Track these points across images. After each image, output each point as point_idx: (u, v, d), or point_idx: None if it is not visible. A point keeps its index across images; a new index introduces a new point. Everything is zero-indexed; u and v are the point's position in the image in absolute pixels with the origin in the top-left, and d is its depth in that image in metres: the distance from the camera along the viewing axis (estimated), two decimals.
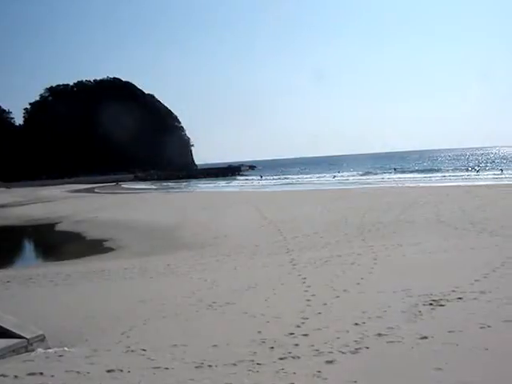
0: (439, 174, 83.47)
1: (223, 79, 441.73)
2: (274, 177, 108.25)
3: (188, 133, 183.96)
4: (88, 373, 7.54)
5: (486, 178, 68.81)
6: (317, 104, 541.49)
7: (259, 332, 9.11)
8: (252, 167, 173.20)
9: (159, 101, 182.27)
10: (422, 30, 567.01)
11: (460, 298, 10.60)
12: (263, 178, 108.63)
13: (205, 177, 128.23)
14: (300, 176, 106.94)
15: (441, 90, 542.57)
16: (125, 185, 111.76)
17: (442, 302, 10.35)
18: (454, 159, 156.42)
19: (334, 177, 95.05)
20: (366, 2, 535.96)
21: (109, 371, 7.60)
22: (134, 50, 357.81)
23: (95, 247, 25.69)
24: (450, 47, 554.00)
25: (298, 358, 7.79)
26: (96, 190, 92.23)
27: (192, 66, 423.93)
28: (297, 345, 8.32)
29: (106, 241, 26.97)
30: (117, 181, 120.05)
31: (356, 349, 8.01)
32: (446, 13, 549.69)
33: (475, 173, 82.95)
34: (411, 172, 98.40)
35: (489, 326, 8.75)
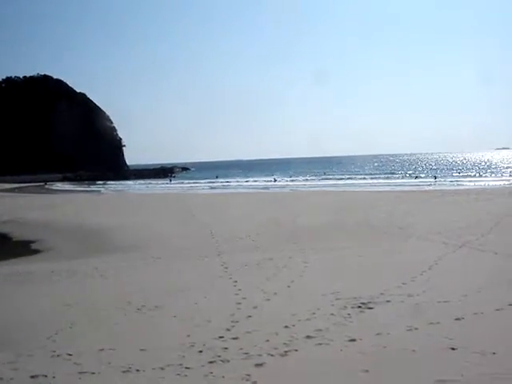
0: (374, 180, 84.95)
1: (176, 78, 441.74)
2: (211, 179, 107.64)
3: (120, 133, 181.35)
4: (11, 379, 7.31)
5: (419, 184, 70.54)
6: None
7: (188, 336, 9.02)
8: (185, 169, 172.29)
9: (91, 100, 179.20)
10: (422, 30, 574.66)
11: (388, 301, 10.79)
12: (217, 179, 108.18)
13: (136, 178, 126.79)
14: (236, 179, 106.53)
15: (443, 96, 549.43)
16: (53, 185, 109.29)
17: (371, 305, 10.51)
18: (404, 163, 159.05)
19: (275, 180, 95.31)
20: (366, 2, 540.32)
21: (33, 377, 7.39)
22: (67, 46, 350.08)
23: (21, 249, 24.91)
24: (450, 47, 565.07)
25: (228, 361, 7.75)
26: (23, 190, 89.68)
27: (134, 66, 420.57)
28: (226, 348, 8.28)
29: (33, 242, 26.22)
30: (45, 181, 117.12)
31: (285, 351, 8.04)
32: (447, 13, 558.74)
33: (413, 179, 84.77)
34: (348, 177, 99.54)
35: (416, 329, 8.93)
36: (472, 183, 67.80)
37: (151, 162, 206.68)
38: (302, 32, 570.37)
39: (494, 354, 7.68)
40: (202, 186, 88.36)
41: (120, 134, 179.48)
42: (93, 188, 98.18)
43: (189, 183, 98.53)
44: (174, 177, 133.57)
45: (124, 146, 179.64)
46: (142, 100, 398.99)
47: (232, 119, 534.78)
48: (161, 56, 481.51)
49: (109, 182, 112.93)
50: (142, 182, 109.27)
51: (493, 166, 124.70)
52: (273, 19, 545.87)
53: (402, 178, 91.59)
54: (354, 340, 8.46)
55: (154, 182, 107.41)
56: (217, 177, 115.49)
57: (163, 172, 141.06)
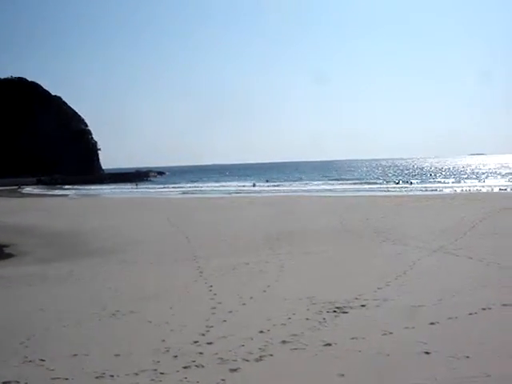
0: (349, 186, 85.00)
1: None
2: (190, 184, 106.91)
3: (95, 136, 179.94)
4: None
5: (394, 189, 70.99)
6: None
7: (163, 341, 8.97)
8: (161, 173, 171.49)
9: (66, 103, 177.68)
10: (423, 30, 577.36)
11: (363, 306, 10.85)
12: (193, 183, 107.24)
13: (111, 182, 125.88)
14: (213, 184, 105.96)
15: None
16: (27, 189, 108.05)
17: (346, 310, 10.55)
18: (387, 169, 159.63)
19: (254, 185, 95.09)
20: (366, 2, 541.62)
21: (5, 383, 7.29)
22: (43, 49, 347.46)
23: None
24: (450, 47, 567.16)
25: (202, 366, 7.72)
26: None
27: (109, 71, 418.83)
28: (201, 353, 8.24)
29: (6, 246, 25.88)
30: (19, 185, 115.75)
31: (260, 356, 8.03)
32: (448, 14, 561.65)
33: (393, 184, 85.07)
34: (327, 181, 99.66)
35: (390, 333, 8.98)
36: (447, 188, 68.40)
37: (128, 166, 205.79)
38: (302, 32, 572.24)
39: (467, 357, 7.75)
40: (176, 190, 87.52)
41: (96, 137, 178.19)
42: (66, 192, 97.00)
43: (160, 188, 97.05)
44: (150, 180, 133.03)
45: (99, 149, 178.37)
46: (119, 103, 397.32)
47: (218, 122, 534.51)
48: (147, 58, 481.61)
49: (82, 186, 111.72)
50: (113, 186, 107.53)
51: (467, 172, 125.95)
52: (272, 20, 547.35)
53: (387, 183, 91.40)
54: (329, 344, 8.48)
55: (123, 186, 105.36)
56: (193, 181, 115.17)
57: (139, 176, 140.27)
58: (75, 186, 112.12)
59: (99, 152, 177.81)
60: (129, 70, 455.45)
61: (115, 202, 60.12)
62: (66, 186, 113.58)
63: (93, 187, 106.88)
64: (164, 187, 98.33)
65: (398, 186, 79.55)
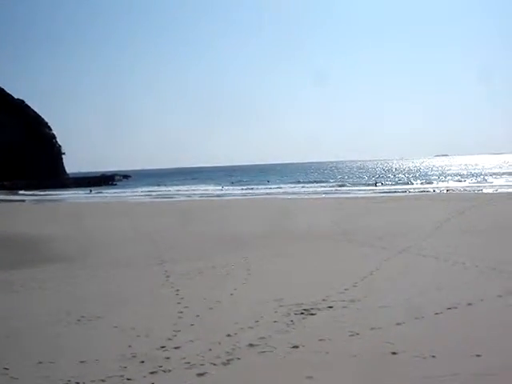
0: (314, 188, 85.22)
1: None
2: (154, 187, 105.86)
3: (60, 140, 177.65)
4: None
5: (361, 190, 71.57)
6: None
7: (130, 346, 8.86)
8: (126, 177, 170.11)
9: (29, 106, 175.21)
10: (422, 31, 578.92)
11: (330, 307, 10.88)
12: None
13: (76, 186, 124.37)
14: (180, 187, 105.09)
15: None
16: None
17: (313, 311, 10.56)
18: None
19: (222, 187, 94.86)
20: (366, 2, 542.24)
21: None
22: (4, 52, 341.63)
23: None
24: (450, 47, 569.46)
25: (169, 371, 7.66)
26: None
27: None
28: (168, 358, 8.17)
29: None
30: None
31: (228, 360, 7.99)
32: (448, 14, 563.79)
33: (361, 185, 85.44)
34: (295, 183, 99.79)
35: (357, 334, 9.01)
36: (412, 189, 69.14)
37: (94, 170, 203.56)
38: (302, 32, 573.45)
39: (433, 357, 7.81)
40: (139, 194, 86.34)
41: (60, 141, 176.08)
42: (25, 197, 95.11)
43: (122, 192, 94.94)
44: (115, 185, 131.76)
45: (64, 153, 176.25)
46: (85, 106, 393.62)
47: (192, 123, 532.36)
48: (117, 58, 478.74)
49: (44, 191, 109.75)
50: (72, 191, 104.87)
51: (432, 173, 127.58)
52: (272, 19, 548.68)
53: (364, 184, 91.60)
54: (296, 347, 8.47)
55: (81, 191, 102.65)
56: (159, 184, 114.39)
57: (104, 180, 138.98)
58: (36, 192, 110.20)
59: (64, 156, 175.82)
60: (99, 69, 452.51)
61: (76, 207, 59.43)
62: (27, 192, 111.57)
63: (53, 192, 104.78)
64: (124, 191, 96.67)
65: (365, 187, 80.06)
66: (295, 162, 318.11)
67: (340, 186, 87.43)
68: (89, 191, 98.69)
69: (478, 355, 7.82)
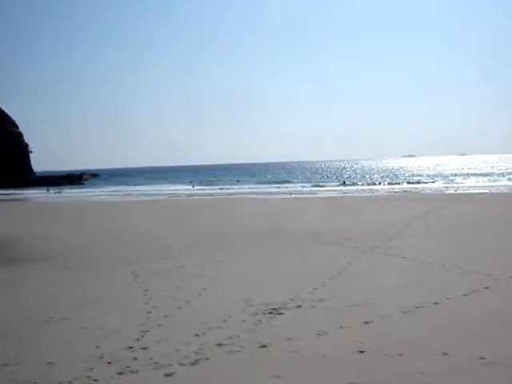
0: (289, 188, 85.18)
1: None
2: (121, 187, 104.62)
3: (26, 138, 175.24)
4: None
5: (329, 190, 71.94)
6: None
7: (97, 347, 8.78)
8: (94, 175, 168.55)
9: None
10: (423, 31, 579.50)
11: (299, 306, 10.91)
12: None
13: (43, 185, 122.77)
14: (151, 186, 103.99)
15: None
16: None
17: (282, 311, 10.58)
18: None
19: (193, 186, 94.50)
20: (366, 2, 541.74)
21: None
22: None
23: None
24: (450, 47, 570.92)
25: (137, 372, 7.61)
26: None
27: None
28: (136, 358, 8.11)
29: None
30: None
31: (196, 360, 7.97)
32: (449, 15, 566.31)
33: (331, 185, 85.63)
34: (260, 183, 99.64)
35: (325, 333, 9.06)
36: (381, 189, 69.70)
37: (63, 169, 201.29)
38: (302, 32, 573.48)
39: (400, 355, 7.89)
40: (107, 193, 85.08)
41: (28, 139, 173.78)
42: None
43: (88, 192, 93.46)
44: (83, 184, 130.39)
45: (31, 152, 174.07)
46: (54, 104, 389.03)
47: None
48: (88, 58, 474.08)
49: (7, 190, 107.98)
50: (35, 191, 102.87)
51: (400, 173, 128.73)
52: (272, 19, 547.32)
53: (333, 184, 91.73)
54: (265, 346, 8.48)
55: (35, 191, 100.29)
56: (127, 184, 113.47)
57: (72, 179, 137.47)
58: (6, 190, 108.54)
59: (31, 155, 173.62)
60: (71, 66, 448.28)
61: (42, 207, 58.71)
62: None
63: (17, 191, 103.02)
64: (92, 190, 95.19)
65: (334, 187, 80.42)
66: (285, 161, 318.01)
67: (314, 186, 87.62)
68: (46, 190, 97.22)
69: (445, 353, 7.92)
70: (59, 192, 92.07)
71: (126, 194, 79.54)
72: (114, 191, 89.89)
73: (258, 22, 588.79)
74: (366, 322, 9.60)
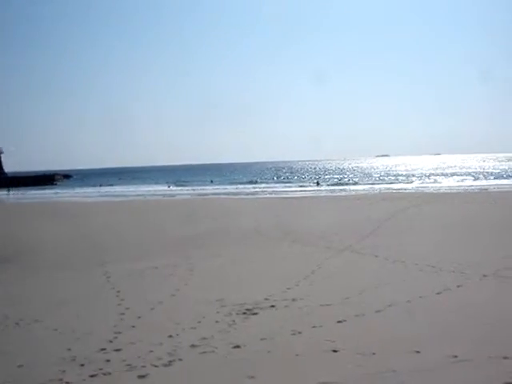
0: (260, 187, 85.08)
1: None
2: (92, 188, 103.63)
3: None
4: None
5: (302, 190, 72.09)
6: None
7: (69, 349, 8.70)
8: (67, 176, 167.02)
9: None
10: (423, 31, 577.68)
11: (273, 306, 10.92)
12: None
13: (14, 186, 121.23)
14: (124, 187, 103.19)
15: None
16: None
17: (255, 311, 10.58)
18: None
19: (169, 186, 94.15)
20: (366, 2, 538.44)
21: None
22: None
23: None
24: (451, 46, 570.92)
25: (110, 374, 7.55)
26: None
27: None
28: (108, 360, 8.05)
29: None
30: None
31: (169, 361, 7.93)
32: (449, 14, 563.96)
33: (316, 185, 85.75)
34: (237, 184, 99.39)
35: (299, 332, 9.07)
36: (354, 189, 70.05)
37: (36, 169, 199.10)
38: (301, 32, 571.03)
39: (373, 354, 7.93)
40: (80, 194, 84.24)
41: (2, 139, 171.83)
42: None
43: (58, 192, 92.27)
44: (55, 184, 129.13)
45: (2, 152, 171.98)
46: (29, 104, 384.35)
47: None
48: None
49: None
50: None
51: (373, 173, 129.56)
52: (271, 19, 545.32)
53: (307, 184, 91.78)
54: (238, 346, 8.47)
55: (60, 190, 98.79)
56: (101, 185, 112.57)
57: (44, 179, 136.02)
58: None
59: (2, 155, 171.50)
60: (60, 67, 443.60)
61: (15, 208, 58.04)
62: None
63: (8, 191, 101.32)
64: (64, 191, 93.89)
65: (308, 187, 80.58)
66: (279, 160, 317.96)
67: (299, 186, 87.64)
68: (6, 191, 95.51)
69: (418, 351, 7.97)
70: (23, 193, 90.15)
71: (98, 195, 78.80)
72: (86, 192, 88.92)
73: (258, 22, 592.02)
74: (339, 321, 9.63)
